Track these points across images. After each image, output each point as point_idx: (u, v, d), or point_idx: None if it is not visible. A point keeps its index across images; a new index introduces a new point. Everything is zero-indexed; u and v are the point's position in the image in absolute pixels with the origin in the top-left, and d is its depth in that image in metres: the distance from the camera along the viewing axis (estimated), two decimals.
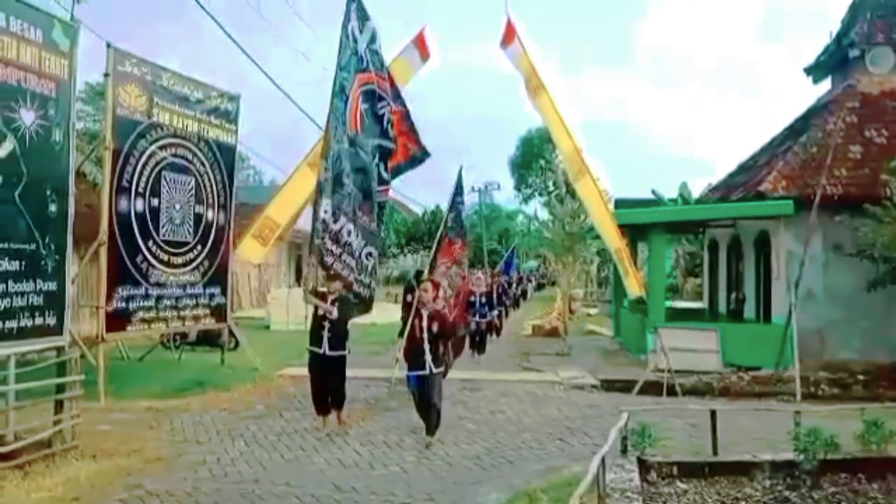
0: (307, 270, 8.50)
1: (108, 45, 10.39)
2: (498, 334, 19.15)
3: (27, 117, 7.51)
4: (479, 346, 15.39)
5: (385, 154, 9.41)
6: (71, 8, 9.16)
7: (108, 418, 8.90)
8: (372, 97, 9.15)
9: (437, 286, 8.41)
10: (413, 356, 8.30)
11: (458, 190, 11.67)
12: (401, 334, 8.50)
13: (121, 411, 9.41)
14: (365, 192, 8.99)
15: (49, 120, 7.81)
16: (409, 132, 10.13)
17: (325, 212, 8.48)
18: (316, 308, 8.59)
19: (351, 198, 8.77)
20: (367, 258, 9.21)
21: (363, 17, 8.97)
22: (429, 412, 8.22)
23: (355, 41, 8.80)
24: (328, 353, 8.40)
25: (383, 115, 9.25)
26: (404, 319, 8.55)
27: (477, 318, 15.21)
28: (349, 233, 8.88)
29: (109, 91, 10.46)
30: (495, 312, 17.83)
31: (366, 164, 9.02)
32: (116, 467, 6.86)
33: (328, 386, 8.57)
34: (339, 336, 8.49)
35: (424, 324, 8.17)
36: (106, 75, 10.57)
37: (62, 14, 8.75)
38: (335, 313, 8.40)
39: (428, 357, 8.12)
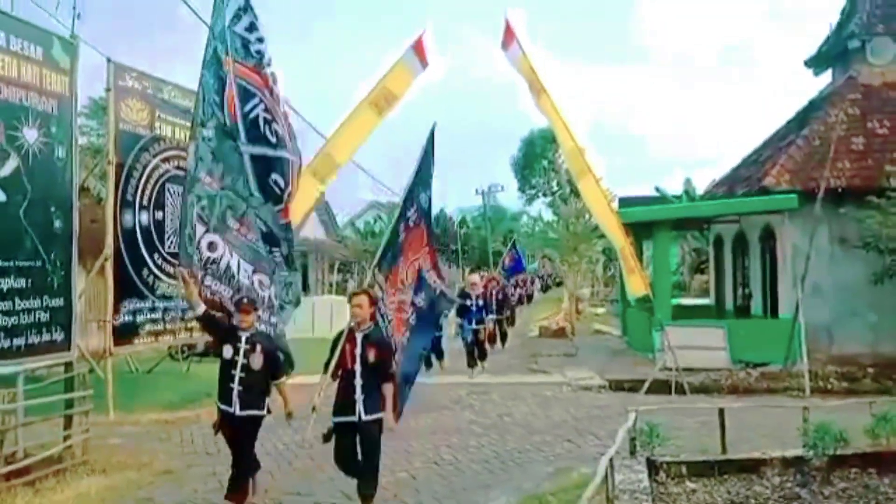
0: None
1: (109, 61, 10.45)
2: (503, 342, 18.05)
3: (30, 135, 7.56)
4: (479, 357, 13.88)
5: (272, 164, 6.95)
6: (71, 25, 9.21)
7: (118, 432, 8.93)
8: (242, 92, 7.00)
9: (373, 301, 6.30)
10: (339, 395, 6.09)
11: (428, 157, 8.00)
12: (326, 367, 6.24)
13: (130, 425, 9.45)
14: (246, 201, 6.84)
15: (51, 137, 7.86)
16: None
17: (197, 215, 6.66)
18: (220, 346, 6.25)
19: (218, 202, 6.73)
20: (259, 287, 6.93)
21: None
22: (363, 476, 6.08)
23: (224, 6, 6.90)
24: (238, 412, 5.99)
25: (256, 115, 6.94)
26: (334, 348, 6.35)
27: (473, 324, 13.73)
28: (214, 247, 6.77)
29: (111, 106, 10.52)
30: (491, 317, 15.51)
31: (243, 167, 6.89)
32: (127, 481, 6.89)
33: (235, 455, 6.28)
34: (256, 389, 6.07)
35: (357, 350, 6.00)
36: (107, 90, 10.63)
37: (62, 31, 8.79)
38: (257, 361, 6.06)
39: (359, 396, 5.93)
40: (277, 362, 6.32)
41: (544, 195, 49.26)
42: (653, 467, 6.41)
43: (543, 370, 14.48)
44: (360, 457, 6.06)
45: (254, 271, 6.88)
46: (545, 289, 47.45)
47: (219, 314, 6.59)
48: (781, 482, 6.29)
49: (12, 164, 7.37)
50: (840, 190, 13.70)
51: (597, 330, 22.40)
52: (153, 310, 11.08)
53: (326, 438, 6.13)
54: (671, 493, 6.12)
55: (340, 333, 6.26)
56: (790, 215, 13.80)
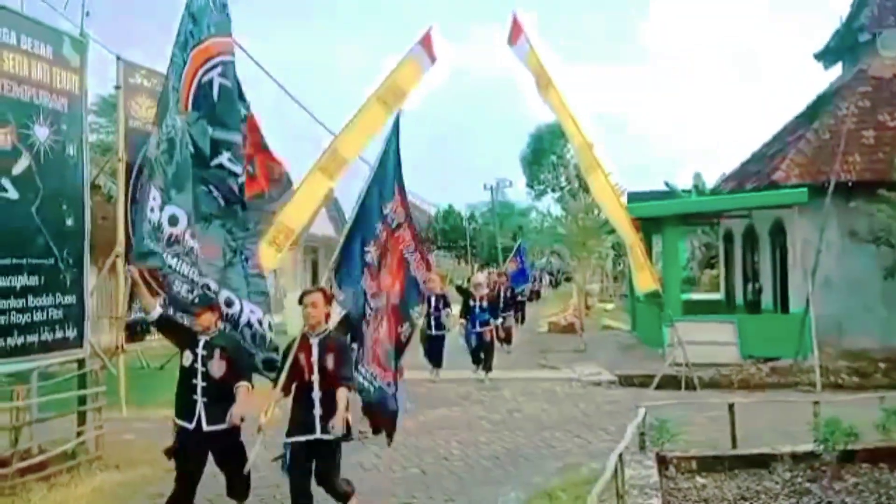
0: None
1: (118, 59, 10.49)
2: (508, 343, 17.02)
3: (41, 133, 7.60)
4: (483, 366, 12.83)
5: (226, 147, 6.36)
6: (80, 23, 9.24)
7: (131, 428, 8.99)
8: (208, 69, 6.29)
9: (328, 299, 5.50)
10: (294, 411, 5.37)
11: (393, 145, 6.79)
12: (276, 381, 5.49)
13: (142, 421, 9.51)
14: (195, 200, 6.13)
15: (62, 135, 7.89)
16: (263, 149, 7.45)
17: (153, 206, 5.92)
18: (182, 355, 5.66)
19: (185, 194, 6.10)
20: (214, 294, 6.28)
21: None
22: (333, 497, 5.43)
23: None
24: (205, 427, 5.37)
25: (214, 84, 6.27)
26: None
27: (477, 327, 12.80)
28: (175, 220, 6.12)
29: (121, 103, 10.56)
30: (500, 320, 14.65)
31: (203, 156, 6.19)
32: (140, 477, 6.94)
33: (216, 473, 5.67)
34: (223, 398, 5.38)
35: (314, 358, 5.26)
36: (117, 88, 10.68)
37: (71, 29, 8.83)
38: (217, 368, 5.42)
39: (318, 412, 5.18)
40: (241, 369, 5.56)
41: (553, 190, 49.14)
42: (662, 462, 6.42)
43: (553, 366, 14.48)
44: (331, 482, 5.39)
45: (202, 276, 6.15)
46: (555, 284, 47.35)
47: (179, 316, 5.96)
48: (792, 477, 6.28)
49: (24, 161, 7.41)
50: (850, 184, 13.62)
51: (606, 325, 22.38)
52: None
53: (285, 464, 5.33)
54: (681, 488, 6.12)
55: (292, 341, 5.42)
56: (800, 209, 13.73)
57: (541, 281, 40.72)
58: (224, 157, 6.38)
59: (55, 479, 6.71)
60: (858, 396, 8.74)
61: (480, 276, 15.71)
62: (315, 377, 5.27)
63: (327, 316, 5.49)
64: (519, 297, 22.55)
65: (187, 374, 5.49)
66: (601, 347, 16.80)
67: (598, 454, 7.25)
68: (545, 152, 48.86)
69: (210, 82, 6.11)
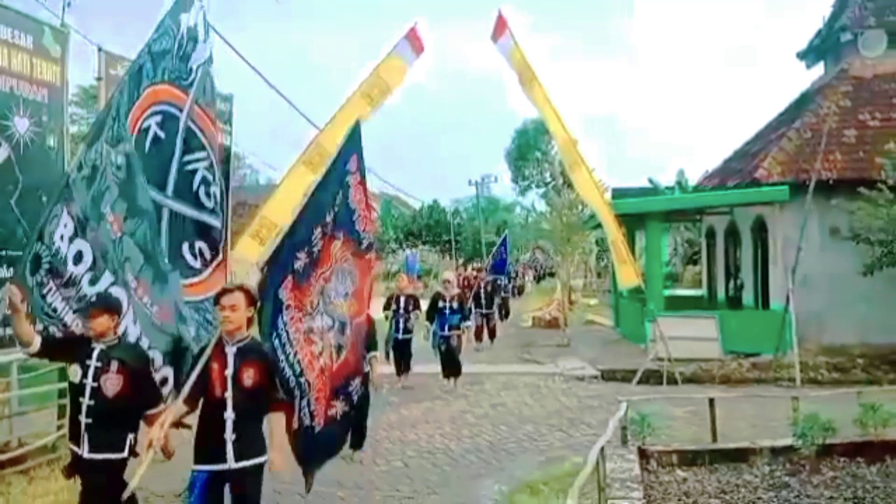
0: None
1: (99, 49, 10.36)
2: (491, 338, 16.99)
3: (20, 125, 7.51)
4: (450, 373, 11.62)
5: (198, 229, 5.65)
6: (61, 13, 9.15)
7: None
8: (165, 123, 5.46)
9: (251, 299, 4.51)
10: (202, 434, 4.45)
11: (347, 154, 5.31)
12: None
13: None
14: (146, 255, 5.17)
15: (42, 126, 7.81)
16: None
17: (62, 234, 4.82)
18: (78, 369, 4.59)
19: (116, 249, 5.05)
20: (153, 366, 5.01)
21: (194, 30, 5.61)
22: None
23: (176, 33, 5.47)
24: (86, 454, 4.48)
25: (195, 169, 5.61)
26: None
27: (445, 330, 11.56)
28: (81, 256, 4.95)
29: (102, 95, 10.43)
30: (469, 323, 13.09)
31: (154, 221, 5.29)
32: None
33: None
34: (114, 421, 4.50)
35: (229, 371, 4.35)
36: (98, 79, 10.55)
37: (52, 19, 8.73)
38: (111, 385, 4.46)
39: (230, 436, 4.31)
40: (145, 386, 4.63)
41: (537, 186, 49.24)
42: (644, 456, 6.48)
43: (536, 360, 14.54)
44: None
45: (149, 346, 5.05)
46: (539, 279, 47.47)
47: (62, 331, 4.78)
48: (771, 471, 6.37)
49: (3, 153, 7.33)
50: (831, 182, 13.75)
51: (589, 320, 22.49)
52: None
53: (191, 496, 4.49)
54: (662, 481, 6.18)
55: (204, 347, 4.53)
56: (782, 207, 13.85)
57: (524, 276, 40.69)
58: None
59: (35, 472, 6.65)
60: (837, 392, 8.86)
61: (450, 274, 14.21)
62: (229, 394, 4.31)
63: (250, 321, 4.55)
64: (503, 294, 22.53)
65: (75, 391, 4.55)
66: (584, 342, 16.89)
67: (581, 448, 7.30)
68: (530, 148, 48.95)
69: (147, 129, 5.34)
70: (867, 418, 6.67)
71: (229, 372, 4.36)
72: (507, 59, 11.43)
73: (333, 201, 5.01)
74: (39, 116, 7.80)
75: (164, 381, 5.12)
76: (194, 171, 5.59)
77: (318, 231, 4.91)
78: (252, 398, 4.38)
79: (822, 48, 17.75)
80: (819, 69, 18.35)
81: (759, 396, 9.68)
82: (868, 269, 12.63)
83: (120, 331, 4.76)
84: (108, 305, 4.72)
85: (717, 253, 19.44)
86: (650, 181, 22.47)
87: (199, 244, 5.57)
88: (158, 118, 5.44)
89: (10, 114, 7.42)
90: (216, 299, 4.56)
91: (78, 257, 4.94)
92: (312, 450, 4.95)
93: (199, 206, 5.65)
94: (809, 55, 18.29)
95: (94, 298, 4.82)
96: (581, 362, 13.71)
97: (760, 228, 15.51)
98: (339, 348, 5.08)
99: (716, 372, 12.15)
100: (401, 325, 11.26)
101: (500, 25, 11.26)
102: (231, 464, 4.33)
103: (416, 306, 11.64)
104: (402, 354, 11.37)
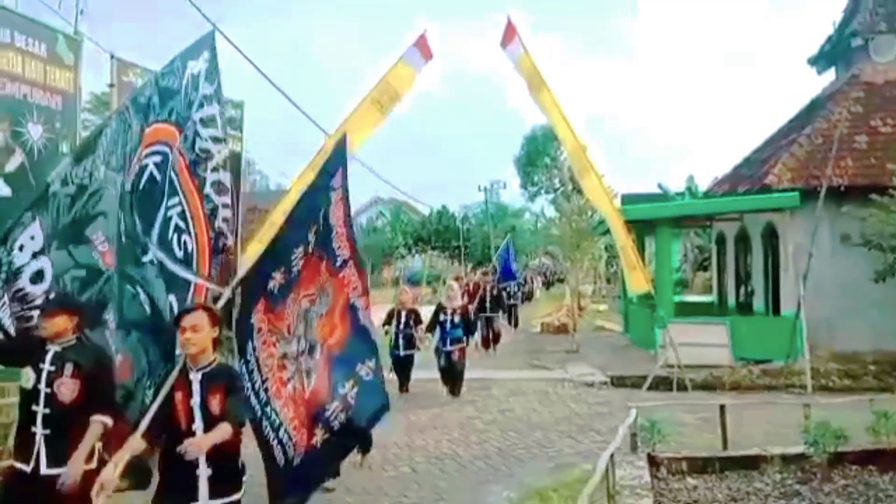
0: None
1: (112, 57, 10.46)
2: (494, 345, 16.52)
3: (34, 131, 7.59)
4: (450, 390, 11.29)
5: (170, 281, 5.05)
6: (74, 21, 9.23)
7: None
8: (163, 170, 5.12)
9: (216, 319, 4.07)
10: (167, 470, 4.00)
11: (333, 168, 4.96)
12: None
13: None
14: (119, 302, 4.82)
15: (56, 133, 7.89)
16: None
17: (24, 243, 4.57)
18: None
19: (103, 280, 4.77)
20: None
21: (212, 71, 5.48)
22: None
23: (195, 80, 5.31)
24: (44, 469, 4.12)
25: (170, 216, 5.14)
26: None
27: (448, 345, 11.05)
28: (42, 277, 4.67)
29: (114, 102, 10.52)
30: (477, 336, 12.66)
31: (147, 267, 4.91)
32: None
33: None
34: (75, 430, 4.12)
35: (195, 399, 3.92)
36: (110, 86, 10.65)
37: (65, 27, 8.82)
38: (66, 390, 4.13)
39: (203, 472, 3.86)
40: (101, 394, 4.22)
41: (546, 192, 49.23)
42: (654, 463, 6.45)
43: (545, 366, 14.51)
44: None
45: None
46: (548, 285, 47.38)
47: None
48: (782, 479, 6.32)
49: (17, 159, 7.40)
50: (842, 188, 13.69)
51: (599, 326, 22.43)
52: None
53: None
54: (672, 489, 6.15)
55: (167, 374, 4.07)
56: (792, 213, 13.79)
57: (533, 282, 40.57)
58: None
59: None
60: (849, 399, 8.78)
61: (454, 283, 13.24)
62: (197, 426, 3.87)
63: (216, 342, 4.09)
64: (511, 301, 22.25)
65: (27, 398, 4.15)
66: (594, 348, 16.84)
67: (590, 454, 7.28)
68: (539, 154, 48.97)
69: (146, 167, 5.06)
70: (880, 426, 6.61)
71: (195, 401, 3.90)
72: (515, 65, 11.44)
73: (316, 218, 4.64)
74: (53, 123, 7.87)
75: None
76: (170, 218, 5.19)
77: (298, 250, 4.53)
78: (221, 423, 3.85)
79: (832, 53, 17.68)
80: (830, 75, 18.28)
81: (770, 403, 9.62)
82: (880, 275, 12.55)
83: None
84: (67, 304, 4.36)
85: (728, 259, 19.36)
86: (660, 187, 22.37)
87: (171, 298, 5.02)
88: (158, 158, 5.17)
89: (25, 120, 7.51)
90: (176, 321, 4.08)
91: (37, 277, 4.60)
92: (292, 484, 4.49)
93: (174, 255, 5.16)
94: (820, 60, 18.23)
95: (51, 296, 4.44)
96: (590, 368, 13.67)
97: (771, 235, 15.45)
98: (309, 373, 4.66)
99: (726, 378, 12.09)
100: (401, 342, 10.75)
101: (510, 31, 11.27)
102: (208, 501, 3.87)
103: (418, 321, 10.88)
104: (402, 371, 10.97)
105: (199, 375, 3.97)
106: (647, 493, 5.49)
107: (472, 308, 15.80)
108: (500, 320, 17.66)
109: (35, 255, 4.54)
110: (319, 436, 4.62)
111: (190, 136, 5.41)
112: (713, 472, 6.49)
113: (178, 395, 3.93)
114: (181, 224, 5.24)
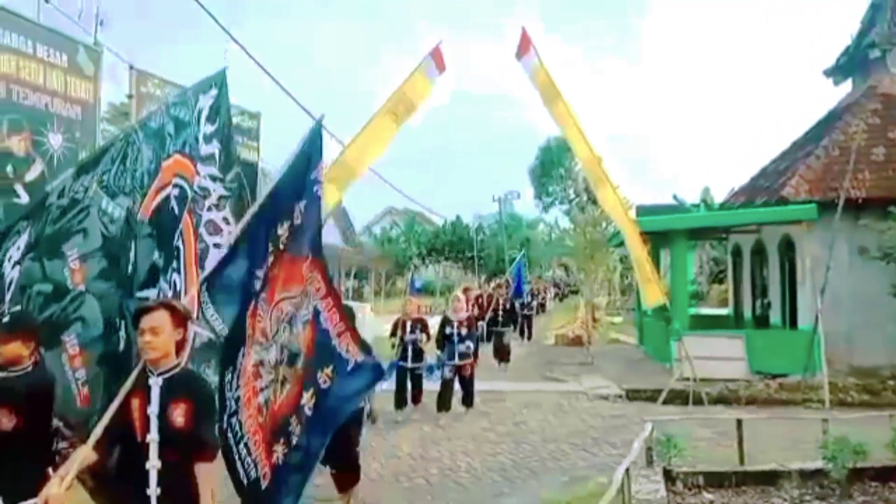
0: None
1: (131, 68, 10.59)
2: (507, 360, 16.01)
3: (54, 140, 7.69)
4: (463, 401, 10.87)
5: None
6: (94, 32, 9.36)
7: None
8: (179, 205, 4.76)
9: (180, 319, 3.67)
10: (113, 489, 3.78)
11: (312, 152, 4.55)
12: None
13: None
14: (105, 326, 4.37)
15: (76, 142, 7.98)
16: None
17: (12, 255, 4.24)
18: None
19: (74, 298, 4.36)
20: None
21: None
22: None
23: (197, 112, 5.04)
24: None
25: (168, 202, 4.76)
26: None
27: (456, 359, 10.50)
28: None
29: (133, 112, 10.65)
30: (471, 345, 10.88)
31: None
32: None
33: None
34: (15, 474, 3.74)
35: (153, 408, 3.51)
36: (129, 97, 10.77)
37: (85, 38, 8.95)
38: (6, 422, 3.76)
39: (154, 491, 3.45)
40: (37, 424, 3.88)
41: (561, 203, 49.20)
42: (669, 477, 6.39)
43: (559, 378, 14.45)
44: None
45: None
46: (561, 297, 47.14)
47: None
48: (800, 495, 6.25)
49: (38, 168, 7.49)
50: (860, 200, 13.57)
51: (613, 339, 22.31)
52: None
53: None
54: (688, 503, 6.09)
55: (125, 376, 3.63)
56: (809, 226, 13.69)
57: (545, 294, 40.39)
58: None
59: None
60: (868, 414, 8.68)
61: (460, 293, 12.33)
62: (153, 437, 3.46)
63: (181, 345, 3.68)
64: (526, 312, 22.17)
65: None
66: (608, 360, 16.76)
67: (605, 468, 7.23)
68: (554, 164, 48.97)
69: (168, 197, 4.87)
70: None
71: (153, 410, 3.48)
72: (530, 76, 11.44)
73: (290, 210, 4.27)
74: (73, 133, 7.97)
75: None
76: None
77: (270, 244, 4.19)
78: (181, 442, 3.46)
79: (849, 65, 17.60)
80: (847, 86, 18.17)
81: (788, 418, 9.52)
82: None
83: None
84: (23, 328, 3.95)
85: (744, 272, 19.22)
86: (675, 198, 22.30)
87: None
88: (177, 192, 4.90)
89: (45, 130, 7.61)
90: (134, 321, 3.65)
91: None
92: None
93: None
94: (837, 72, 18.14)
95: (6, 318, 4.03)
96: (605, 381, 13.59)
97: (788, 247, 15.33)
98: (283, 383, 4.30)
99: (742, 392, 11.98)
100: (409, 353, 10.29)
101: (525, 42, 11.28)
102: None
103: (425, 330, 10.47)
104: (413, 383, 10.47)
105: (160, 381, 3.53)
106: None
107: (483, 322, 15.83)
108: (511, 335, 17.38)
109: (13, 265, 4.26)
110: (280, 452, 4.21)
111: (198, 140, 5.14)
112: (730, 487, 6.42)
113: (135, 403, 3.51)
114: (174, 263, 4.92)
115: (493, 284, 22.71)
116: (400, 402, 10.39)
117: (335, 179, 9.76)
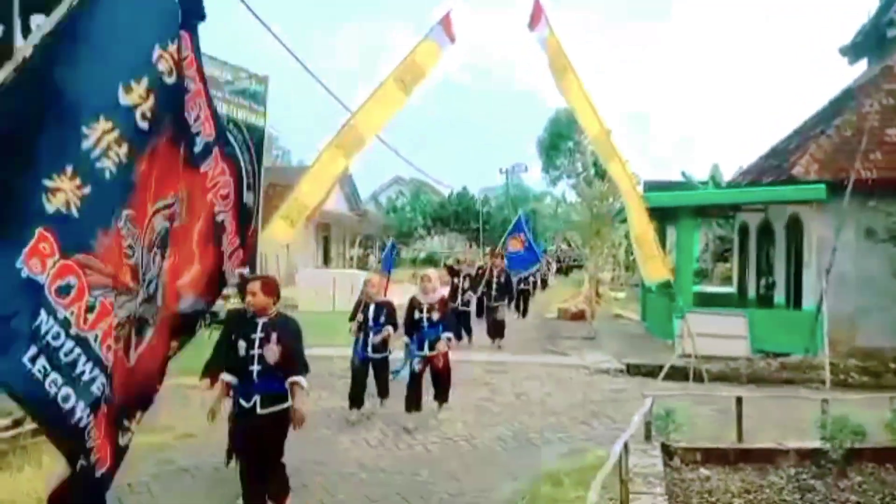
0: None
1: None
2: (500, 337, 14.93)
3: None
4: (438, 396, 8.96)
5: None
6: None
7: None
8: None
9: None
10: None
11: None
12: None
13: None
14: None
15: None
16: None
17: None
18: None
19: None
20: None
21: None
22: None
23: None
24: None
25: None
26: None
27: (425, 349, 8.52)
28: None
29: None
30: (448, 335, 8.69)
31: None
32: (148, 444, 7.00)
33: None
34: None
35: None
36: None
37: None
38: None
39: None
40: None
41: (568, 177, 48.88)
42: (667, 453, 6.43)
43: (561, 352, 14.49)
44: None
45: None
46: (565, 272, 46.87)
47: None
48: (797, 473, 6.29)
49: None
50: (870, 182, 13.45)
51: (617, 314, 22.35)
52: None
53: None
54: (685, 478, 6.14)
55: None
56: (818, 206, 13.60)
57: (548, 268, 40.05)
58: None
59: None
60: (868, 396, 8.69)
61: (431, 271, 9.68)
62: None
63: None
64: (523, 286, 21.02)
65: None
66: (610, 336, 16.79)
67: (603, 441, 7.28)
68: (563, 137, 48.53)
69: None
70: None
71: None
72: (543, 47, 11.31)
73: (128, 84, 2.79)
74: None
75: None
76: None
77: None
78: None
79: (865, 44, 17.35)
80: (862, 65, 17.93)
81: (788, 397, 9.55)
82: None
83: None
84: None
85: (750, 250, 19.17)
86: (683, 175, 22.21)
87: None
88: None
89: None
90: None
91: None
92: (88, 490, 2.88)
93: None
94: (852, 51, 17.89)
95: None
96: (606, 355, 13.64)
97: (795, 227, 15.25)
98: (142, 327, 3.16)
99: (744, 371, 12.00)
100: (370, 342, 8.56)
101: (537, 13, 11.14)
102: None
103: (390, 319, 8.70)
104: (376, 378, 8.78)
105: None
106: (660, 482, 5.48)
107: (474, 295, 15.26)
108: (505, 310, 15.70)
109: None
110: (130, 437, 3.16)
111: None
112: (727, 464, 6.46)
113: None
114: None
115: (486, 252, 22.21)
116: (357, 401, 8.59)
117: (342, 146, 9.73)
